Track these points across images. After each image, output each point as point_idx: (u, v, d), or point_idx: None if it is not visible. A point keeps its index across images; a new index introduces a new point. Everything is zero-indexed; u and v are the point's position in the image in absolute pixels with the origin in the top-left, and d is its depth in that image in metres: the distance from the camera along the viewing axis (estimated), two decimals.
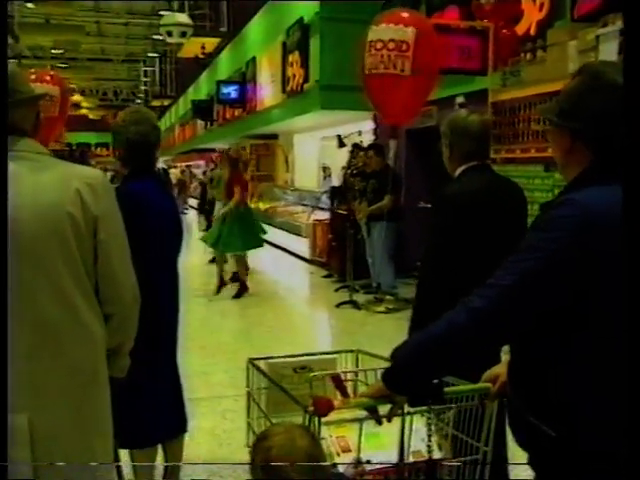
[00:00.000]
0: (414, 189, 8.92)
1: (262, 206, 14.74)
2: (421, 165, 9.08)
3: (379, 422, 1.74)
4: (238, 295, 8.61)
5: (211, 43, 16.87)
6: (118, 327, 2.14)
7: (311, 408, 1.72)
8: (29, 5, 17.53)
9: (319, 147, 14.96)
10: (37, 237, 1.90)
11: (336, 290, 8.70)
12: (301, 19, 10.60)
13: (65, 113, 9.44)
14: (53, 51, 22.88)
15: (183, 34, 13.31)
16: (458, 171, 2.75)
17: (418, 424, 1.90)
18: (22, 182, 1.91)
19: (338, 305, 7.87)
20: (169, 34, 13.35)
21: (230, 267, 9.19)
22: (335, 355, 2.57)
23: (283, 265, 11.74)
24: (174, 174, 24.13)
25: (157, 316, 2.77)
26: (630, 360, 1.32)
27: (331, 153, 13.38)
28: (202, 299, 8.79)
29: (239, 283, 8.75)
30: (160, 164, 30.96)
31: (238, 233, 8.43)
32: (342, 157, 11.12)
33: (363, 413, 1.79)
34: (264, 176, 16.81)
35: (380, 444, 1.99)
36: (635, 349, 1.32)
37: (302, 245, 11.79)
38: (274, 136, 16.30)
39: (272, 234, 13.56)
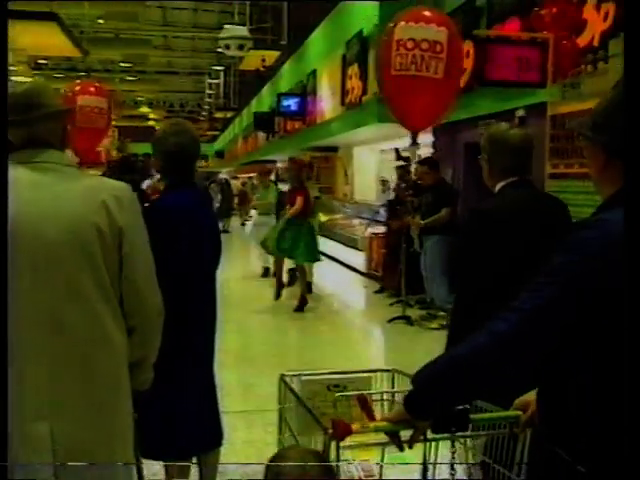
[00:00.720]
0: (471, 203, 8.74)
1: (322, 218, 14.79)
2: (479, 179, 8.88)
3: (400, 448, 1.66)
4: (299, 308, 8.54)
5: (271, 56, 16.99)
6: (141, 340, 2.14)
7: (331, 431, 1.67)
8: (100, 21, 18.11)
9: (378, 160, 14.89)
10: (62, 246, 1.92)
11: (390, 305, 8.59)
12: (360, 31, 10.58)
13: (110, 123, 9.52)
14: (122, 64, 23.55)
15: (240, 47, 13.44)
16: (497, 187, 2.65)
17: (446, 451, 1.82)
18: (48, 192, 1.93)
19: (390, 320, 7.77)
20: (227, 47, 13.52)
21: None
22: (370, 374, 2.51)
23: (338, 278, 11.70)
24: (235, 185, 24.41)
25: (190, 331, 2.75)
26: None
27: (390, 166, 13.29)
28: (254, 311, 8.84)
29: (300, 297, 8.71)
30: (223, 175, 31.46)
31: (303, 244, 8.49)
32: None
33: (386, 437, 1.73)
34: (324, 188, 16.80)
35: (406, 470, 1.92)
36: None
37: (358, 258, 11.73)
38: (334, 149, 16.31)
39: (329, 247, 13.55)
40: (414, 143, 11.62)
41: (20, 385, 1.89)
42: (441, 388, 1.52)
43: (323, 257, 9.80)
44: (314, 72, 14.74)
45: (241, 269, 12.23)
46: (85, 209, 1.95)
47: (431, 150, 10.34)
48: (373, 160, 15.01)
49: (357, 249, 11.91)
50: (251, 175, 28.44)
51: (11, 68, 9.60)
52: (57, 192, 1.96)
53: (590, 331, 1.37)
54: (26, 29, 9.57)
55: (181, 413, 2.85)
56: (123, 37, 22.16)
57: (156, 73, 27.47)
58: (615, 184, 1.44)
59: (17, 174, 1.97)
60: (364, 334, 8.15)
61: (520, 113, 7.46)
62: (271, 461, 1.60)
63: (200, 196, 3.10)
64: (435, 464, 1.79)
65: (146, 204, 3.24)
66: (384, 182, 13.54)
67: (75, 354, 1.95)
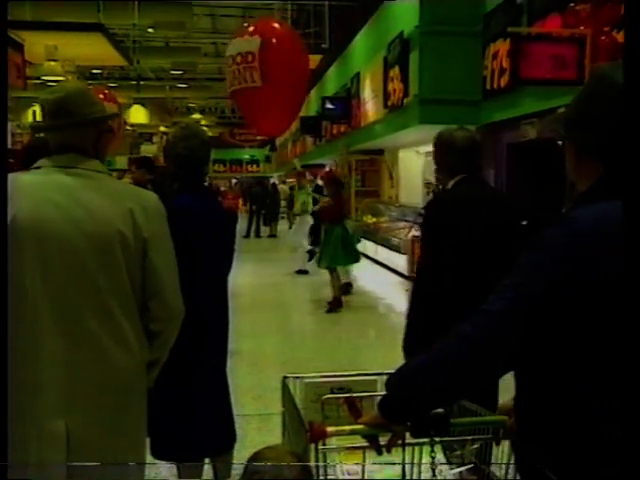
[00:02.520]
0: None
1: (368, 220, 14.82)
2: (523, 180, 8.74)
3: (379, 452, 1.64)
4: (331, 310, 8.61)
5: (313, 60, 16.94)
6: (161, 343, 2.20)
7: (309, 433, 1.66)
8: (149, 30, 18.41)
9: (423, 163, 14.75)
10: (82, 249, 1.97)
11: None
12: (401, 33, 10.51)
13: (120, 129, 9.89)
14: (173, 72, 23.89)
15: None
16: (450, 184, 2.87)
17: (439, 455, 1.78)
18: (75, 197, 1.99)
19: None
20: None
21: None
22: (376, 377, 2.49)
23: (381, 281, 11.64)
24: (283, 189, 24.55)
25: (196, 335, 2.75)
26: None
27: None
28: (296, 313, 8.87)
29: (332, 299, 8.76)
30: (274, 179, 31.69)
31: (338, 249, 8.83)
32: None
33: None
34: (369, 191, 16.78)
35: (395, 474, 1.89)
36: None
37: (402, 261, 11.65)
38: (380, 151, 16.24)
39: (373, 250, 13.50)
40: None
41: (37, 383, 1.94)
42: (412, 392, 1.50)
43: (367, 260, 9.90)
44: (357, 75, 14.72)
45: (284, 270, 12.33)
46: (111, 215, 2.00)
47: None
48: (418, 163, 14.90)
49: (400, 252, 11.84)
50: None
51: (59, 78, 9.91)
52: (84, 197, 2.00)
53: (557, 330, 1.33)
54: (73, 40, 9.84)
55: (194, 416, 2.86)
56: (173, 45, 22.53)
57: (207, 80, 27.78)
58: (588, 181, 1.40)
59: (47, 178, 2.04)
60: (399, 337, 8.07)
61: (562, 111, 7.30)
62: (250, 460, 1.61)
63: (211, 199, 3.11)
64: (420, 464, 1.76)
65: None
66: (429, 185, 13.42)
67: (90, 353, 1.99)
